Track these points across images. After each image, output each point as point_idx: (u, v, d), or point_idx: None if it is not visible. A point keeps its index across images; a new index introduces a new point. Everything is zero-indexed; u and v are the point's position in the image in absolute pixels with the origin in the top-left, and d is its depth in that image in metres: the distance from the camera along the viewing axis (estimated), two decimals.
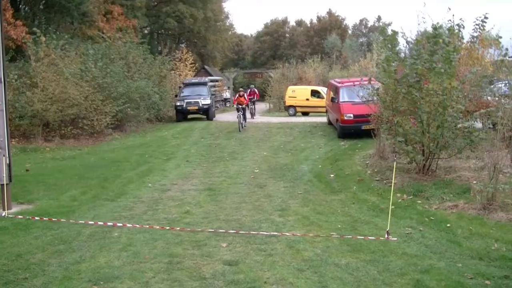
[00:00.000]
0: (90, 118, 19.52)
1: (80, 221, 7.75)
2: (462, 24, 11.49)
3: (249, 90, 28.89)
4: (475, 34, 13.38)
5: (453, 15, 11.73)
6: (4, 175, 8.41)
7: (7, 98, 8.75)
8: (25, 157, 15.18)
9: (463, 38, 12.70)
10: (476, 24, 12.81)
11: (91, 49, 23.57)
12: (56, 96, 18.36)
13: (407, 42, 11.57)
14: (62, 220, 7.82)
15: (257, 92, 29.81)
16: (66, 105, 18.60)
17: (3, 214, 8.14)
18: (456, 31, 11.41)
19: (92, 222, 7.66)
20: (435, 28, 10.03)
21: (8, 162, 8.50)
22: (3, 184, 8.42)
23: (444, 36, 9.86)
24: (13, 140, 16.93)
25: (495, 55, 15.19)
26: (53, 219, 7.82)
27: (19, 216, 8.06)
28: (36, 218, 7.90)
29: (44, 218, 7.88)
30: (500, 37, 13.66)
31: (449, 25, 11.31)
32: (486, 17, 12.33)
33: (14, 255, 6.19)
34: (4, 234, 7.16)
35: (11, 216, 8.10)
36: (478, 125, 10.71)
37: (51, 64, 19.76)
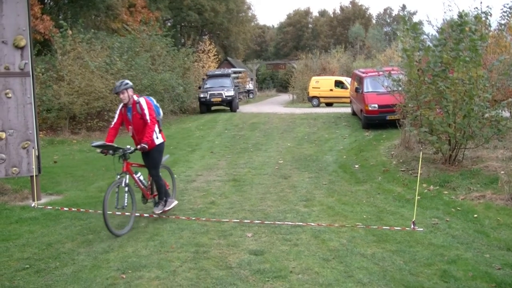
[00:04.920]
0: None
1: (107, 212, 7.87)
2: (489, 12, 11.29)
3: (121, 103, 7.49)
4: (503, 22, 13.15)
5: (481, 3, 11.58)
6: (34, 166, 8.60)
7: (35, 91, 8.92)
8: (53, 149, 15.45)
9: (490, 26, 12.50)
10: (504, 12, 12.58)
11: (116, 42, 23.80)
12: (82, 89, 18.60)
13: (426, 34, 11.41)
14: (90, 210, 7.96)
15: (145, 111, 7.27)
16: (92, 98, 18.84)
17: (33, 205, 8.33)
18: (483, 19, 11.22)
19: (119, 213, 7.78)
20: (461, 16, 9.88)
21: (37, 154, 8.69)
22: (33, 176, 8.61)
23: (471, 24, 9.70)
24: (41, 132, 17.24)
25: None
26: (82, 210, 7.98)
27: (49, 207, 8.24)
28: (65, 208, 8.07)
29: (73, 209, 8.04)
30: None
31: (475, 12, 11.13)
32: None
33: (45, 245, 6.34)
34: (34, 224, 7.33)
35: (40, 206, 8.29)
36: (506, 114, 10.55)
37: (77, 57, 20.00)
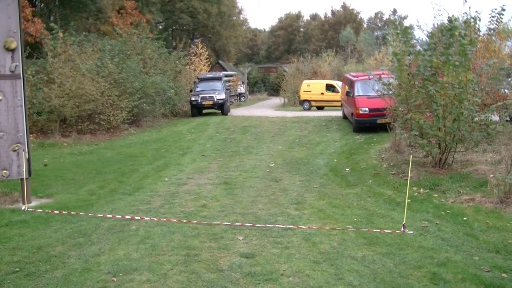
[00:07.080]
0: (107, 113, 19.69)
1: (98, 215, 7.85)
2: (478, 17, 11.41)
3: None
4: (492, 27, 13.26)
5: (469, 8, 11.70)
6: (24, 169, 8.55)
7: (26, 94, 8.88)
8: (43, 152, 15.38)
9: (479, 31, 12.61)
10: (493, 16, 12.70)
11: (107, 45, 23.76)
12: (73, 92, 18.52)
13: (416, 39, 11.49)
14: (81, 213, 7.93)
15: None
16: (83, 100, 18.77)
17: (23, 208, 8.29)
18: (472, 23, 11.32)
19: (110, 216, 7.75)
20: (450, 20, 9.97)
21: (27, 157, 8.64)
22: (23, 179, 8.56)
23: (460, 29, 9.80)
24: (31, 135, 17.13)
25: None
26: (72, 213, 7.94)
27: (39, 210, 8.19)
28: (55, 211, 8.03)
29: (63, 212, 8.00)
30: None
31: (465, 17, 11.24)
32: (503, 9, 12.22)
33: (35, 248, 6.30)
34: (24, 227, 7.28)
35: (30, 209, 8.24)
36: (495, 118, 10.63)
37: (68, 60, 19.93)
